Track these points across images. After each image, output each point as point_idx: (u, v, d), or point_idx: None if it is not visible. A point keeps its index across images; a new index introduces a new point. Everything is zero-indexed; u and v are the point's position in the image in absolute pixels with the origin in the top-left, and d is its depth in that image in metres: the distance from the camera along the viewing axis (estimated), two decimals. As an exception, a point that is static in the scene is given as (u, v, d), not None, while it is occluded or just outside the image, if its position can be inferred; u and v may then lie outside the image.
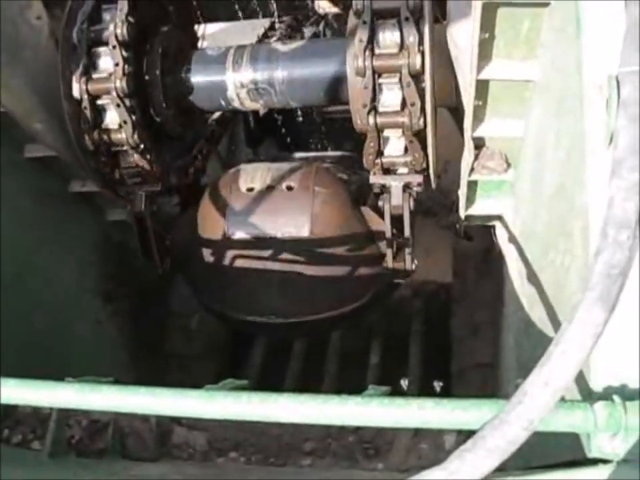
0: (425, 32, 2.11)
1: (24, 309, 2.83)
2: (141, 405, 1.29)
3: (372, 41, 2.15)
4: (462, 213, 2.41)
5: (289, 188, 2.68)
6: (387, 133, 2.31)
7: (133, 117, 2.44)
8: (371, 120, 2.23)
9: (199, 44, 3.05)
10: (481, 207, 2.38)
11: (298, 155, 3.73)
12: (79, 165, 2.65)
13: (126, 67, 2.37)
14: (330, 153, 3.61)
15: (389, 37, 2.16)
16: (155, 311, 3.93)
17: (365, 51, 2.12)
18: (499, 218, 2.47)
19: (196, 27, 3.07)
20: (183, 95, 2.64)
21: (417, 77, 2.15)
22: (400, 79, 2.17)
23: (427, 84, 2.16)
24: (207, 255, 2.83)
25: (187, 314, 4.04)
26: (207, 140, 3.12)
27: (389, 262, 2.63)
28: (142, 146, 2.52)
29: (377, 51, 2.16)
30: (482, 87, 1.95)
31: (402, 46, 2.14)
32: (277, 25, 3.78)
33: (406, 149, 2.33)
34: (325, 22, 3.73)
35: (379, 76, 2.19)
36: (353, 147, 3.51)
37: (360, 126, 2.27)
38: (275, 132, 4.64)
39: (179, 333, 4.08)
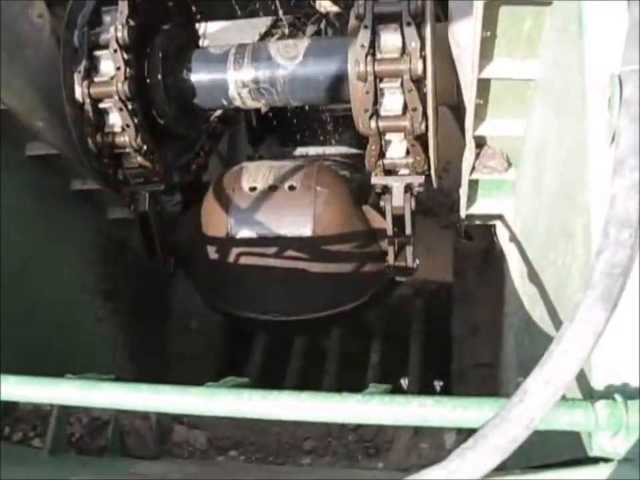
0: (427, 37, 2.10)
1: (24, 308, 2.82)
2: (142, 402, 1.29)
3: (373, 45, 2.14)
4: (463, 213, 2.42)
5: (291, 187, 2.69)
6: (388, 136, 2.30)
7: (136, 120, 2.44)
8: (373, 124, 2.22)
9: (200, 43, 3.04)
10: (481, 207, 2.39)
11: (299, 150, 3.73)
12: (81, 165, 2.65)
13: (127, 70, 2.36)
14: (331, 150, 3.59)
15: (390, 42, 2.15)
16: (155, 310, 3.92)
17: (366, 57, 2.11)
18: (500, 217, 2.48)
19: (197, 25, 3.06)
20: (185, 94, 2.63)
21: (418, 81, 2.14)
22: (402, 84, 2.16)
23: (429, 89, 2.15)
24: (210, 253, 2.83)
25: (187, 314, 4.04)
26: (209, 137, 3.12)
27: (391, 260, 2.63)
28: (145, 147, 2.51)
29: (378, 56, 2.15)
30: (483, 86, 1.95)
31: (404, 51, 2.13)
32: (278, 24, 3.78)
33: (407, 152, 2.33)
34: (326, 21, 3.72)
35: (381, 80, 2.18)
36: (355, 143, 3.51)
37: (362, 129, 2.27)
38: (276, 129, 4.62)
39: (179, 332, 4.08)
